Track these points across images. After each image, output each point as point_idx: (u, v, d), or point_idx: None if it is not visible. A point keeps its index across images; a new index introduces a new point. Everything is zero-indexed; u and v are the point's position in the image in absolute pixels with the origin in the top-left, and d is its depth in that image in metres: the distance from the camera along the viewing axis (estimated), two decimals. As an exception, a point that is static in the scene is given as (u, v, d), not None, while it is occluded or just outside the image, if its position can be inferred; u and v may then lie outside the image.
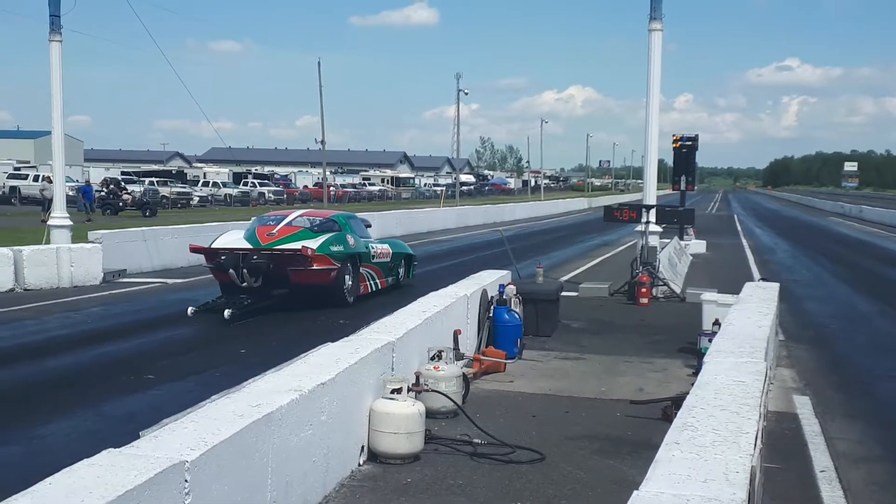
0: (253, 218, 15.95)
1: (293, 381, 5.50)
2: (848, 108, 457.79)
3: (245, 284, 13.44)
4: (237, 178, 68.72)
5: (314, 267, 13.55)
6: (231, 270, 13.43)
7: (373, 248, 15.61)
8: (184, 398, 7.11)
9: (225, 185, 63.84)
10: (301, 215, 15.24)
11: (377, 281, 15.61)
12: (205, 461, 4.11)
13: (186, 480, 3.95)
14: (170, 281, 17.61)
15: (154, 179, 57.00)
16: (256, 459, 4.72)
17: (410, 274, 17.62)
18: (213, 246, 14.06)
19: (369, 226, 16.89)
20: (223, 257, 13.58)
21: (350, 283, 14.40)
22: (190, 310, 12.82)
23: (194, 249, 14.48)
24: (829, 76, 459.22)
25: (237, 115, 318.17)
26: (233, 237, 14.38)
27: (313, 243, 13.65)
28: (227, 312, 12.47)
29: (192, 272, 18.99)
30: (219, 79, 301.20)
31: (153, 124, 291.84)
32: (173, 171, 73.49)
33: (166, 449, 4.06)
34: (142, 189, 48.01)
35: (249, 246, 13.72)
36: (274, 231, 14.15)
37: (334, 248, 13.96)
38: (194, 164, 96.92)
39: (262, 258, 13.43)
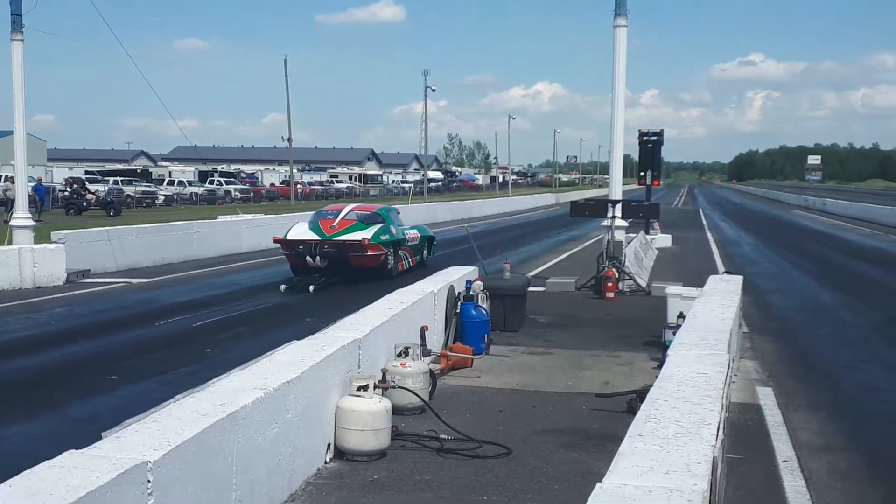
0: (313, 212, 20.14)
1: (258, 379, 5.47)
2: (811, 103, 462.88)
3: (316, 266, 16.56)
4: (203, 177, 68.00)
5: (368, 253, 16.96)
6: (307, 257, 16.65)
7: (407, 233, 19.06)
8: (148, 398, 7.04)
9: (191, 183, 63.26)
10: (352, 210, 18.78)
11: (410, 260, 18.99)
12: (168, 461, 4.08)
13: (149, 481, 3.93)
14: (134, 281, 17.46)
15: (118, 178, 56.37)
16: (221, 459, 4.69)
17: (431, 252, 20.86)
18: (288, 237, 17.25)
19: (398, 213, 20.14)
20: (301, 246, 16.81)
21: (392, 263, 17.70)
22: (282, 287, 15.90)
23: (276, 240, 17.74)
24: (792, 71, 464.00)
25: (203, 113, 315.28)
26: (301, 229, 17.53)
27: (367, 234, 17.11)
28: (311, 287, 15.76)
29: (156, 272, 18.87)
30: (184, 77, 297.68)
31: (118, 123, 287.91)
32: (138, 170, 72.74)
33: (129, 450, 4.03)
34: (106, 188, 47.47)
35: (318, 237, 17.05)
36: (334, 224, 17.58)
37: (383, 237, 17.43)
38: (159, 163, 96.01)
39: (331, 247, 16.75)
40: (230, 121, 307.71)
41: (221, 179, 66.23)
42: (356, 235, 17.01)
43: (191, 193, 58.88)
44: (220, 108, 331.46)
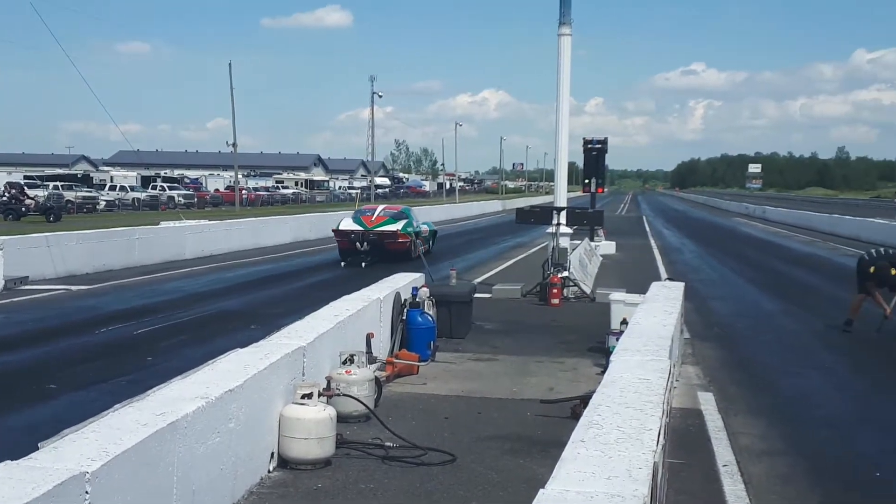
0: (354, 210, 25.63)
1: (200, 388, 5.40)
2: (752, 112, 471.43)
3: (361, 249, 22.13)
4: (146, 182, 66.95)
5: (399, 240, 22.55)
6: (356, 242, 22.30)
7: (421, 227, 24.64)
8: (87, 408, 6.92)
9: (133, 188, 62.22)
10: (384, 209, 24.79)
11: (423, 247, 23.07)
12: (106, 472, 4.01)
13: (87, 492, 3.86)
14: (74, 288, 17.13)
15: (59, 184, 55.22)
16: (161, 469, 4.62)
17: (434, 242, 26.86)
18: (341, 228, 23.05)
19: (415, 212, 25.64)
20: (352, 234, 22.49)
21: (413, 248, 21.87)
22: (342, 263, 21.79)
23: (334, 230, 23.34)
24: (733, 80, 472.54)
25: (146, 117, 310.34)
26: (348, 223, 23.24)
27: (398, 226, 22.79)
28: (363, 264, 21.29)
29: (97, 279, 18.54)
30: (126, 80, 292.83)
31: (58, 127, 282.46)
32: (79, 175, 71.37)
33: (66, 460, 3.96)
34: (46, 193, 46.59)
35: (362, 228, 22.64)
36: (372, 219, 23.19)
37: (408, 229, 22.87)
38: (101, 168, 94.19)
39: (373, 235, 22.36)
40: (174, 125, 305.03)
41: (164, 185, 65.29)
42: (391, 227, 22.80)
43: (133, 199, 58.00)
44: (163, 112, 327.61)
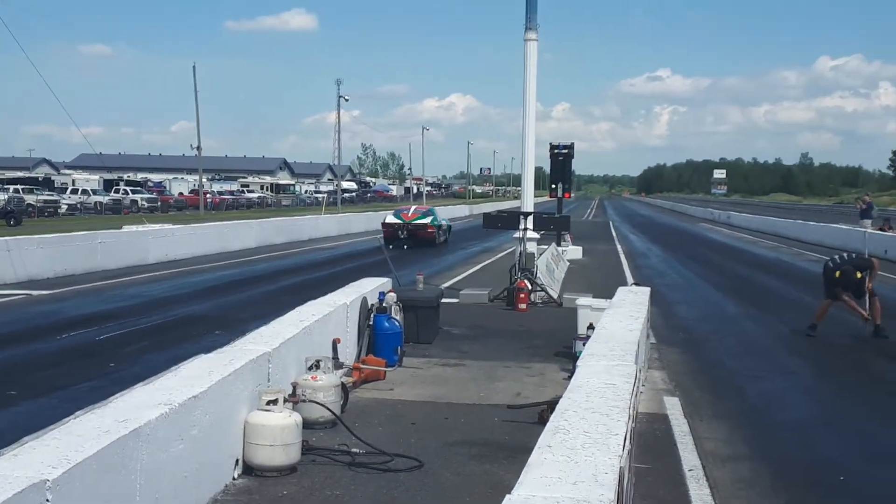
0: (392, 210, 35.79)
1: (163, 394, 5.33)
2: (716, 118, 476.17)
3: (402, 237, 29.98)
4: (108, 186, 66.28)
5: (428, 230, 30.94)
6: (398, 231, 30.23)
7: (442, 222, 32.88)
8: (48, 415, 6.77)
9: (95, 192, 61.65)
10: (416, 208, 34.43)
11: (444, 237, 32.81)
12: (67, 480, 3.95)
13: (48, 500, 3.80)
14: (35, 293, 16.88)
15: (19, 187, 54.60)
16: (123, 476, 4.55)
17: (449, 234, 34.50)
18: (387, 221, 31.36)
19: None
20: (396, 226, 30.53)
21: (437, 237, 31.51)
22: (390, 247, 25.76)
23: (383, 223, 31.68)
24: (697, 86, 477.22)
25: (108, 120, 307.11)
26: (392, 217, 31.50)
27: (428, 220, 31.38)
28: (405, 247, 28.68)
29: (58, 284, 18.30)
30: (89, 83, 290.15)
31: (19, 130, 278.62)
32: (40, 178, 70.58)
33: (26, 468, 3.90)
34: (6, 197, 45.94)
35: (402, 222, 30.85)
36: (409, 215, 31.68)
37: (435, 223, 31.71)
38: (63, 171, 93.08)
39: (411, 227, 30.55)
40: (137, 128, 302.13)
41: (127, 188, 64.73)
42: (423, 221, 31.23)
43: (95, 203, 57.45)
44: (126, 115, 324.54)
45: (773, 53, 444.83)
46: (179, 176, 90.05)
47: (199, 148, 62.52)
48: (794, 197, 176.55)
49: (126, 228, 26.14)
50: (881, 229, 33.60)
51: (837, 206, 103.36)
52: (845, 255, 13.83)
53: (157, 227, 27.20)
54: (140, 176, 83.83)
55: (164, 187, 78.12)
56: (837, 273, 13.08)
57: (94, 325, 13.12)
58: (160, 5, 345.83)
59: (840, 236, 34.40)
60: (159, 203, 63.10)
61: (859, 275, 12.96)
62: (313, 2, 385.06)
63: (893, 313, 14.27)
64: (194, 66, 60.65)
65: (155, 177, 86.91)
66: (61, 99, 51.55)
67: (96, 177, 71.83)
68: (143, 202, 60.72)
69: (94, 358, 10.82)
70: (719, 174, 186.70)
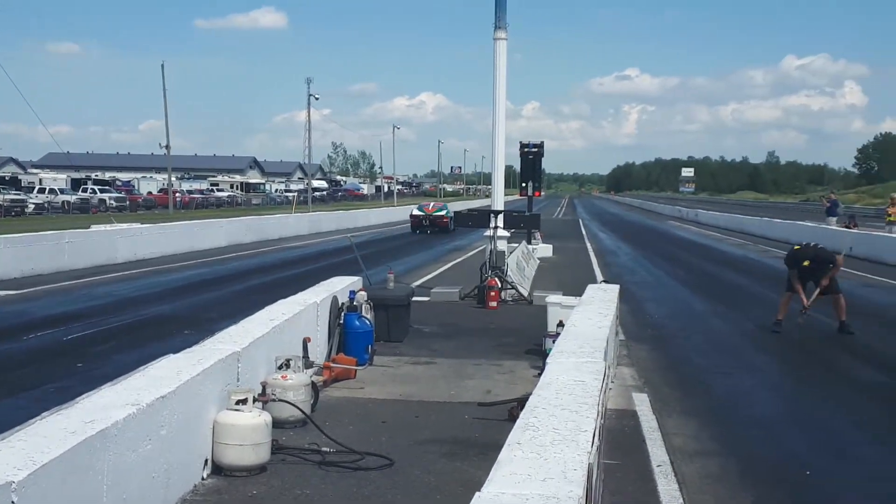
0: (417, 204, 46.16)
1: (131, 394, 5.30)
2: (685, 117, 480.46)
3: (425, 225, 39.49)
4: (76, 185, 65.54)
5: (444, 220, 39.71)
6: (423, 221, 40.13)
7: (451, 214, 37.56)
8: (14, 416, 6.68)
9: (63, 191, 60.97)
10: (434, 204, 44.16)
11: (452, 227, 38.28)
12: (33, 481, 3.91)
13: (13, 502, 3.76)
14: (1, 293, 16.68)
15: (-15, 186, 53.89)
16: (90, 477, 4.52)
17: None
18: (414, 213, 41.78)
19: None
20: (421, 217, 40.55)
21: (450, 225, 38.88)
22: (416, 232, 34.54)
23: (411, 215, 41.67)
24: (666, 85, 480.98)
25: (76, 119, 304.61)
26: (417, 210, 41.73)
27: (444, 212, 40.58)
28: (428, 231, 39.37)
29: (25, 283, 18.10)
30: (57, 81, 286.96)
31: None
32: (6, 178, 69.71)
33: (-9, 470, 3.85)
34: (-29, 196, 45.28)
35: (425, 214, 40.96)
36: (430, 208, 41.70)
37: (448, 214, 39.60)
38: (29, 171, 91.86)
39: (432, 217, 40.26)
40: (105, 127, 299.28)
41: (95, 188, 64.03)
42: (441, 213, 40.62)
43: (63, 202, 56.83)
44: (94, 113, 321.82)
45: (740, 53, 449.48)
46: (148, 175, 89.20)
47: (167, 147, 62.00)
48: (761, 195, 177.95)
49: (94, 228, 25.88)
50: (846, 226, 34.05)
51: (804, 204, 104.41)
52: (812, 244, 13.99)
53: (125, 226, 26.96)
54: (108, 175, 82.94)
55: (133, 186, 77.38)
56: (805, 262, 13.21)
57: (61, 325, 12.98)
58: (130, 3, 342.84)
59: (806, 233, 34.76)
60: (128, 202, 62.51)
61: (807, 263, 13.12)
62: (283, 0, 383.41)
63: (858, 310, 14.49)
64: (163, 65, 60.17)
65: (123, 176, 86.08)
66: (29, 98, 50.95)
67: (64, 176, 71.04)
68: (112, 201, 60.07)
69: (62, 358, 10.71)
70: (687, 172, 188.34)
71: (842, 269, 13.79)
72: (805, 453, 7.59)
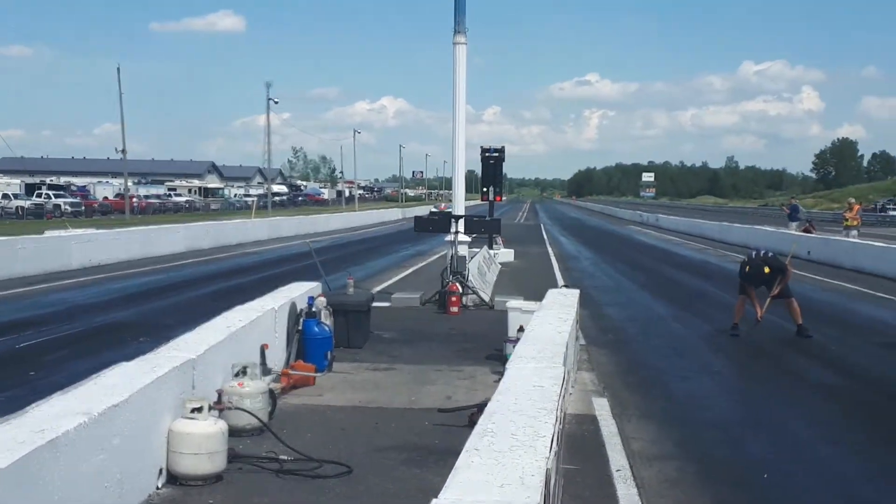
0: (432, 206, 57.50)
1: (82, 403, 5.19)
2: (644, 122, 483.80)
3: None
4: (30, 190, 64.58)
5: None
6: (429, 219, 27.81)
7: None
8: (-38, 427, 6.57)
9: (16, 196, 60.05)
10: (444, 206, 42.55)
11: None
12: (-22, 494, 3.81)
13: (-43, 515, 3.66)
14: (-48, 300, 16.33)
15: (-64, 191, 52.89)
16: (40, 488, 4.42)
17: None
18: (432, 212, 35.74)
19: None
20: (435, 216, 25.50)
21: None
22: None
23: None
24: (626, 91, 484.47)
25: (29, 122, 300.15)
26: (434, 209, 47.64)
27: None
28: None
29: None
30: (7, 85, 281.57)
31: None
32: (-42, 183, 68.52)
33: (-67, 483, 3.74)
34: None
35: (436, 210, 40.01)
36: (441, 207, 46.40)
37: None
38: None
39: (441, 215, 24.90)
40: (59, 131, 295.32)
41: (50, 192, 63.08)
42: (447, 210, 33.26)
43: (16, 207, 55.97)
44: (48, 117, 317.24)
45: (699, 59, 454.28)
46: (104, 180, 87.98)
47: (124, 151, 61.26)
48: (721, 199, 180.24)
49: (48, 233, 25.45)
50: (805, 230, 34.49)
51: (762, 209, 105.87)
52: (763, 252, 14.09)
53: (80, 231, 26.58)
54: (63, 180, 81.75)
55: (89, 191, 76.32)
56: (747, 268, 13.43)
57: (13, 332, 12.72)
58: (81, 5, 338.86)
59: (764, 238, 35.17)
60: (83, 207, 61.63)
61: (767, 270, 13.27)
62: (241, 3, 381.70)
63: (815, 314, 14.66)
64: (118, 68, 59.54)
65: (79, 180, 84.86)
66: (-21, 101, 50.18)
67: (17, 181, 69.95)
68: (67, 206, 59.21)
69: (13, 367, 10.49)
70: (648, 177, 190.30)
71: (794, 273, 13.96)
72: (763, 455, 7.63)
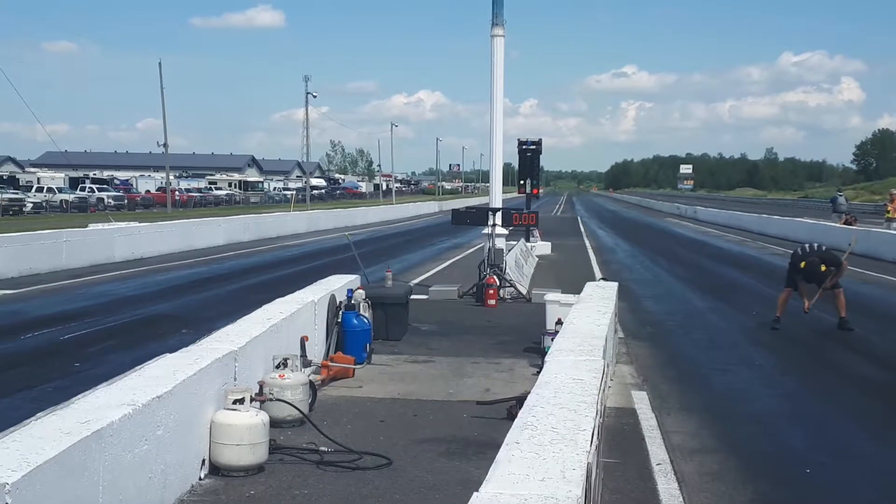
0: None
1: (127, 395, 5.26)
2: (682, 114, 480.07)
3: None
4: (74, 184, 65.46)
5: None
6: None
7: None
8: (9, 416, 6.67)
9: (61, 190, 60.87)
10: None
11: None
12: (27, 483, 3.88)
13: (7, 503, 3.72)
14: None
15: (-17, 185, 53.80)
16: (86, 478, 4.48)
17: None
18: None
19: None
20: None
21: None
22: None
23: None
24: (663, 82, 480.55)
25: (74, 117, 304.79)
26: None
27: None
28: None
29: (22, 283, 18.06)
30: (54, 80, 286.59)
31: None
32: (4, 177, 69.55)
33: (-15, 472, 3.81)
34: (-31, 195, 45.20)
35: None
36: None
37: None
38: (27, 169, 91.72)
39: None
40: (103, 125, 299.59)
41: (93, 186, 63.90)
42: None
43: (61, 201, 56.74)
44: (92, 112, 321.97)
45: (737, 50, 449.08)
46: (146, 173, 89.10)
47: (165, 145, 62.02)
48: (760, 191, 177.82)
49: (92, 227, 25.83)
50: (846, 223, 33.96)
51: (802, 201, 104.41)
52: (815, 245, 13.83)
53: (123, 224, 26.92)
54: (106, 174, 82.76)
55: (131, 185, 77.28)
56: (803, 263, 13.16)
57: (58, 324, 12.95)
58: (124, 2, 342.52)
59: (804, 231, 34.77)
60: (126, 201, 62.41)
61: (823, 268, 13.06)
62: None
63: (855, 306, 14.45)
64: (160, 63, 60.13)
65: (121, 174, 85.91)
66: (26, 97, 51.24)
67: (62, 175, 70.92)
68: (110, 200, 60.00)
69: (58, 358, 10.68)
70: (686, 169, 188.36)
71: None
72: (804, 450, 7.56)
